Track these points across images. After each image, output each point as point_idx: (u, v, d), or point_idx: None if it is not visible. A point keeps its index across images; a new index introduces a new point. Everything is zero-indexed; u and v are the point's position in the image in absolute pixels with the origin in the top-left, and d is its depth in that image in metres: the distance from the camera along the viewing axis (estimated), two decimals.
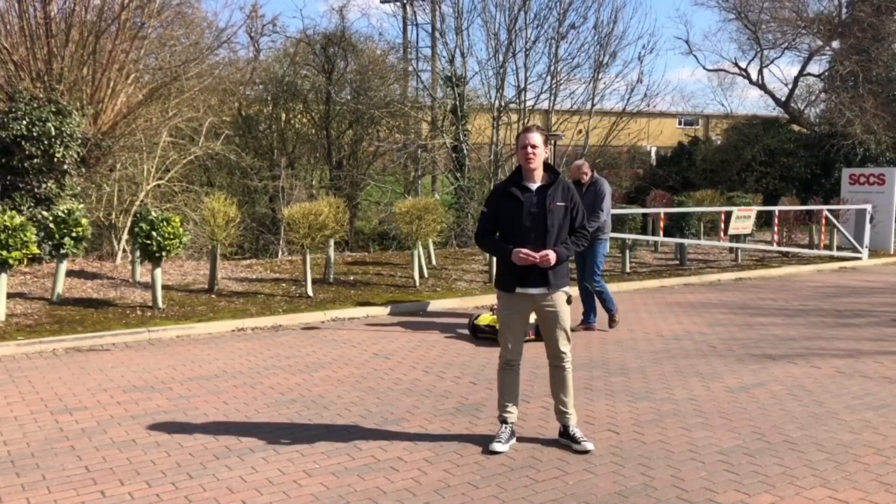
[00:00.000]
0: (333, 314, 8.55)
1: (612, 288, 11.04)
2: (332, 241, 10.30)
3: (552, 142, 15.31)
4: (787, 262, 14.20)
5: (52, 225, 8.31)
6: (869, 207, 15.15)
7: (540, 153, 4.29)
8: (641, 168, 27.33)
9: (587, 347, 7.14)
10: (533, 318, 4.63)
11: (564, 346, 4.39)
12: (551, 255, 4.20)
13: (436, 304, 9.36)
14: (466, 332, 7.68)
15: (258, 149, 18.84)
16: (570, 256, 4.40)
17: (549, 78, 17.45)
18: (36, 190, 10.21)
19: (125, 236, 13.18)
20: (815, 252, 14.89)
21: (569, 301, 4.38)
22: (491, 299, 9.61)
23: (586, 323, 7.95)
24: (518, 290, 4.33)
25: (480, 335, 7.23)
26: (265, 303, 8.89)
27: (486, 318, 7.18)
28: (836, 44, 23.67)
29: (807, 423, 4.88)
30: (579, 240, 4.38)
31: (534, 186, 4.31)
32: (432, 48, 18.80)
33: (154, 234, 8.04)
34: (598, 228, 7.58)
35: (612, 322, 8.03)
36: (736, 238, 13.80)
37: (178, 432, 4.63)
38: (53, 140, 10.08)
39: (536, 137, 4.28)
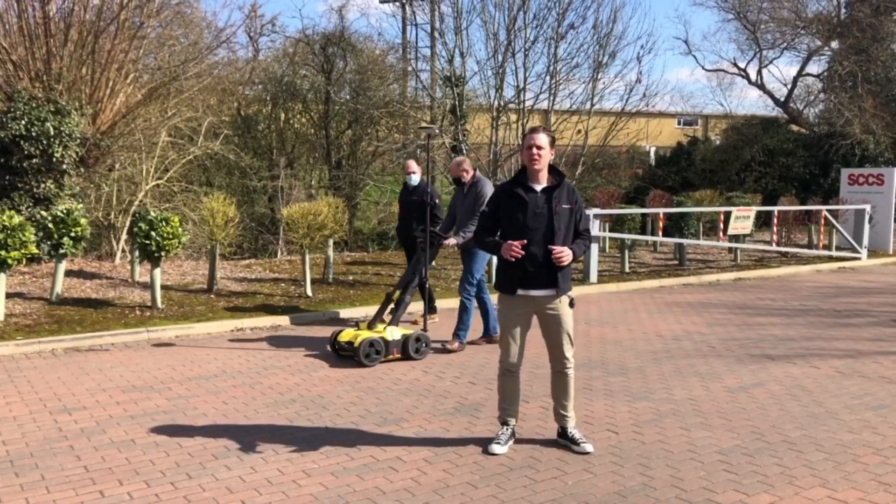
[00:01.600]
0: (333, 314, 8.55)
1: (612, 287, 11.09)
2: (331, 241, 10.29)
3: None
4: (787, 262, 14.20)
5: (50, 225, 8.31)
6: (868, 208, 15.16)
7: (545, 154, 4.25)
8: (640, 168, 27.34)
9: (586, 347, 7.14)
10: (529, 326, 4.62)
11: (568, 351, 4.37)
12: (567, 253, 4.17)
13: (435, 304, 9.33)
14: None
15: (257, 149, 18.84)
16: (579, 257, 4.38)
17: (548, 78, 17.45)
18: (35, 190, 10.20)
19: (124, 236, 13.17)
20: (814, 252, 14.90)
21: (571, 304, 4.35)
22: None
23: (487, 335, 7.20)
24: (520, 292, 4.30)
25: (342, 353, 6.46)
26: (264, 303, 8.88)
27: (347, 334, 6.40)
28: (835, 44, 23.70)
29: (806, 424, 4.88)
30: (584, 242, 4.36)
31: (539, 188, 4.29)
32: (431, 48, 18.80)
33: (153, 233, 8.03)
34: None
35: (452, 344, 6.97)
36: (735, 238, 13.80)
37: (177, 432, 4.63)
38: (52, 140, 10.07)
39: (542, 138, 4.25)
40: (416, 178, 8.06)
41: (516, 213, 4.27)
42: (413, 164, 8.10)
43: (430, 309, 8.02)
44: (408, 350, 6.41)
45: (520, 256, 4.16)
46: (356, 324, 6.68)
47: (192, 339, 7.39)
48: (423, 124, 7.58)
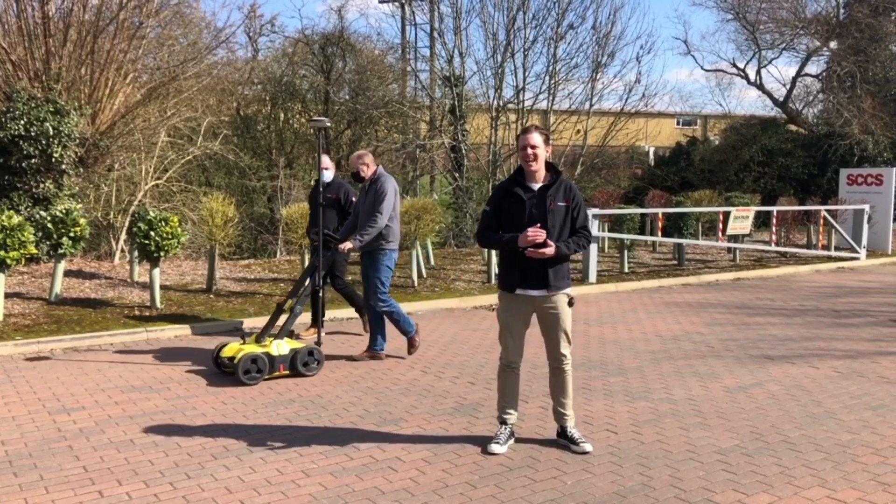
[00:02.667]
0: (332, 314, 8.54)
1: (611, 287, 11.09)
2: None
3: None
4: (786, 262, 14.21)
5: (49, 225, 8.30)
6: (867, 208, 15.18)
7: (540, 154, 4.25)
8: (640, 168, 27.36)
9: (586, 348, 7.14)
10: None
11: (565, 349, 4.38)
12: (550, 249, 4.16)
13: (434, 304, 9.34)
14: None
15: (256, 149, 18.84)
16: (571, 255, 4.37)
17: (547, 78, 17.50)
18: (34, 190, 10.20)
19: (123, 236, 13.17)
20: (813, 252, 14.91)
21: (570, 303, 4.36)
22: (489, 299, 9.61)
23: (371, 350, 6.60)
24: (518, 291, 4.31)
25: (224, 369, 5.96)
26: (263, 303, 8.88)
27: (230, 349, 5.89)
28: (833, 44, 23.72)
29: (805, 423, 4.89)
30: (580, 240, 4.34)
31: (535, 186, 4.29)
32: (431, 48, 18.82)
33: (152, 233, 8.03)
34: (380, 237, 6.30)
35: (411, 347, 6.66)
36: (734, 238, 13.81)
37: (176, 432, 4.63)
38: (51, 140, 10.06)
39: (536, 138, 4.25)
40: (328, 175, 7.25)
41: (513, 212, 4.27)
42: (326, 159, 7.27)
43: (319, 320, 7.26)
44: (296, 365, 5.85)
45: (541, 239, 4.13)
46: (242, 337, 6.01)
47: (191, 339, 7.39)
48: (314, 117, 7.04)
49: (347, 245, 6.32)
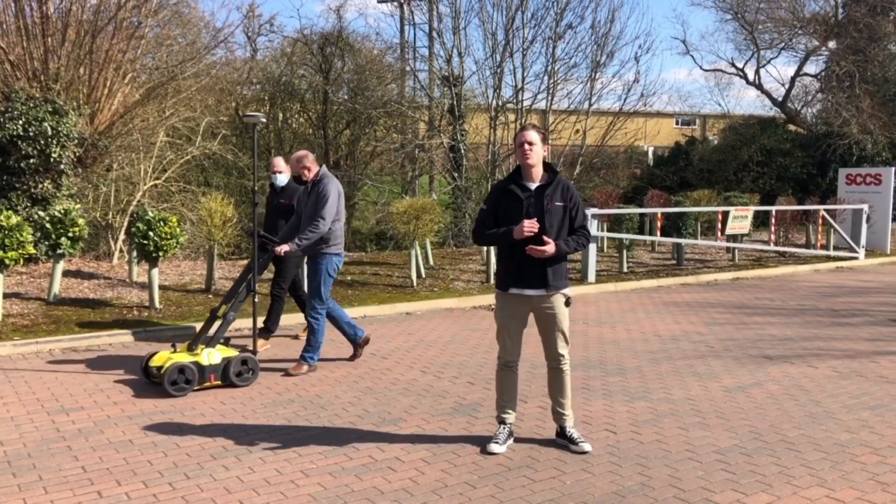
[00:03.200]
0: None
1: (610, 287, 11.10)
2: None
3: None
4: (784, 262, 14.22)
5: (48, 225, 8.30)
6: (865, 207, 15.19)
7: (537, 150, 4.26)
8: (639, 168, 27.37)
9: (584, 347, 7.14)
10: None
11: (563, 349, 4.38)
12: (549, 246, 4.15)
13: (434, 304, 9.35)
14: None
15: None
16: (570, 254, 4.36)
17: (546, 78, 17.50)
18: (32, 190, 10.19)
19: (122, 236, 13.16)
20: (811, 252, 14.92)
21: (567, 303, 4.36)
22: (488, 299, 9.61)
23: (355, 344, 6.45)
24: (514, 290, 4.31)
25: (154, 380, 5.63)
26: (261, 303, 8.86)
27: (160, 358, 5.60)
28: (832, 44, 23.74)
29: (804, 423, 4.89)
30: (580, 239, 4.34)
31: (533, 186, 4.30)
32: (429, 48, 18.81)
33: (151, 234, 8.02)
34: (321, 240, 6.01)
35: (356, 351, 6.49)
36: (733, 238, 13.82)
37: (175, 432, 4.62)
38: (50, 140, 10.05)
39: (533, 135, 4.26)
40: (282, 179, 6.94)
41: (511, 211, 4.28)
42: (280, 161, 7.00)
43: (265, 329, 7.10)
44: (228, 375, 5.58)
45: (536, 232, 4.13)
46: (173, 345, 5.73)
47: (190, 339, 7.37)
48: (249, 112, 6.73)
49: (284, 248, 5.98)
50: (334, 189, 6.06)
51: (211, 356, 5.58)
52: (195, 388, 5.48)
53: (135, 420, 4.86)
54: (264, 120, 6.01)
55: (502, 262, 4.37)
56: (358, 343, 6.48)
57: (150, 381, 5.68)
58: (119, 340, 7.19)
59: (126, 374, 6.03)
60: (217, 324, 5.81)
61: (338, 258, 6.16)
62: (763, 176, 22.58)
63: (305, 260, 6.47)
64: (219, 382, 5.60)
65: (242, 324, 7.79)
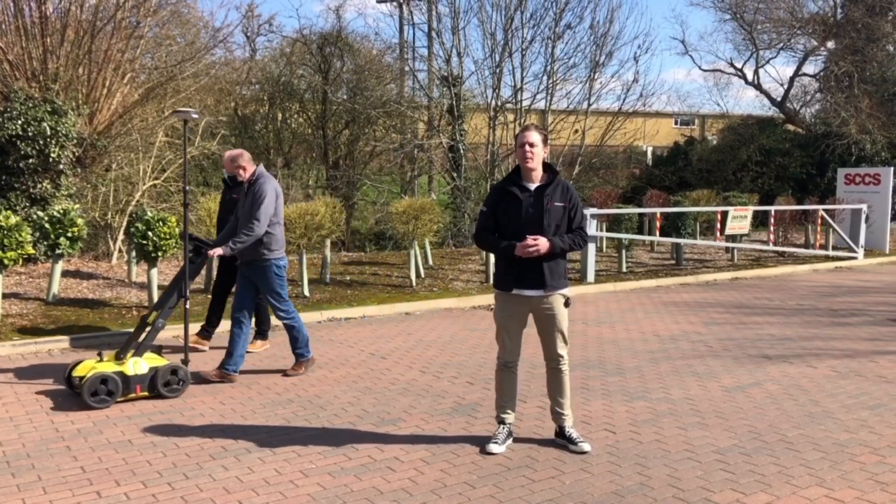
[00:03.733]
0: (330, 314, 8.55)
1: (609, 287, 11.10)
2: (328, 241, 10.29)
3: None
4: (783, 261, 14.23)
5: (47, 225, 8.29)
6: (864, 207, 15.20)
7: (538, 152, 4.25)
8: (638, 168, 27.38)
9: (584, 347, 7.14)
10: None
11: (562, 349, 4.38)
12: (542, 242, 4.15)
13: (433, 304, 9.34)
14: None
15: (254, 149, 18.80)
16: (567, 251, 4.35)
17: (545, 78, 17.51)
18: (31, 190, 10.18)
19: (121, 236, 13.15)
20: (810, 252, 14.93)
21: (567, 304, 4.36)
22: (487, 299, 9.62)
23: (223, 369, 5.83)
24: (515, 291, 4.31)
25: (77, 390, 5.26)
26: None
27: (83, 367, 5.29)
28: (831, 44, 23.76)
29: (803, 423, 4.89)
30: (576, 238, 4.33)
31: (532, 186, 4.29)
32: (429, 48, 18.80)
33: (150, 234, 8.02)
34: (260, 245, 5.73)
35: (294, 369, 6.04)
36: (732, 238, 13.82)
37: (174, 433, 4.62)
38: (49, 140, 10.05)
39: (534, 136, 4.25)
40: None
41: (510, 212, 4.27)
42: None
43: (260, 332, 6.91)
44: (156, 386, 5.28)
45: (536, 248, 4.14)
46: (99, 353, 5.45)
47: (189, 339, 7.37)
48: (178, 108, 6.22)
49: (217, 252, 5.67)
50: (271, 189, 5.76)
51: (137, 366, 5.27)
52: (119, 399, 5.18)
53: (134, 420, 4.86)
54: (196, 116, 5.70)
55: (502, 263, 4.36)
56: (307, 359, 6.08)
57: (73, 392, 5.34)
58: (118, 341, 7.18)
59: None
60: (146, 331, 5.52)
61: (280, 262, 5.88)
62: (762, 176, 22.59)
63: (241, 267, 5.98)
64: (145, 394, 5.30)
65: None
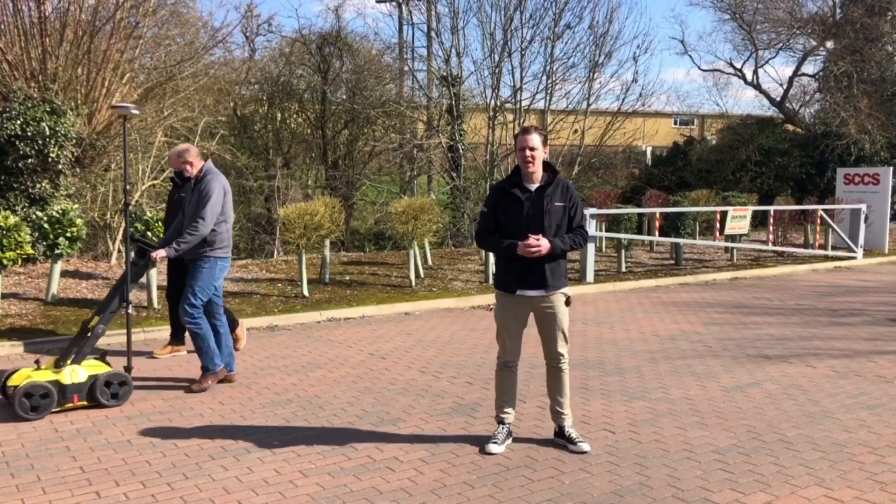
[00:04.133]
0: (329, 314, 8.54)
1: (609, 287, 11.11)
2: (327, 242, 10.29)
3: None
4: (783, 261, 14.23)
5: (46, 225, 8.29)
6: (864, 207, 15.20)
7: (539, 155, 4.25)
8: (637, 168, 27.39)
9: (583, 347, 7.14)
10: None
11: (562, 348, 4.38)
12: (544, 243, 4.16)
13: (432, 304, 9.34)
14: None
15: (254, 149, 18.83)
16: (566, 251, 4.35)
17: (544, 78, 17.51)
18: (30, 190, 10.17)
19: (120, 236, 13.15)
20: (810, 252, 14.93)
21: (567, 302, 4.36)
22: (487, 299, 9.61)
23: (206, 373, 5.60)
24: (518, 292, 4.31)
25: (9, 399, 4.99)
26: (260, 303, 8.87)
27: (19, 376, 5.03)
28: (830, 44, 23.76)
29: (802, 423, 4.89)
30: (576, 238, 4.34)
31: (533, 187, 4.29)
32: (428, 48, 18.81)
33: (149, 234, 8.02)
34: (204, 243, 5.49)
35: (201, 383, 5.55)
36: (731, 238, 13.83)
37: (173, 433, 4.62)
38: (48, 140, 10.04)
39: (535, 139, 4.24)
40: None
41: (511, 213, 4.27)
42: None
43: (177, 339, 6.69)
44: (95, 395, 5.04)
45: (538, 248, 4.14)
46: (37, 361, 5.18)
47: (188, 339, 7.37)
48: (116, 103, 5.88)
49: (160, 254, 5.42)
50: (218, 186, 5.52)
51: (75, 374, 5.01)
52: (55, 409, 4.94)
53: (133, 420, 4.85)
54: (137, 112, 5.40)
55: (503, 263, 4.36)
56: (214, 373, 5.61)
57: (8, 403, 5.02)
58: (117, 341, 7.17)
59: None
60: (86, 338, 5.25)
61: (223, 261, 5.61)
62: (761, 176, 22.59)
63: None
64: (84, 403, 5.06)
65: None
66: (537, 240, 4.15)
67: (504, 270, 4.35)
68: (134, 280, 5.45)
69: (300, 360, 6.52)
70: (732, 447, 4.43)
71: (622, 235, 12.41)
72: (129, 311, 5.46)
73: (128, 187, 5.65)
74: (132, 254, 5.57)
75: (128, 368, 5.33)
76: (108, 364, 5.29)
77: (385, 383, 5.81)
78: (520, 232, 4.23)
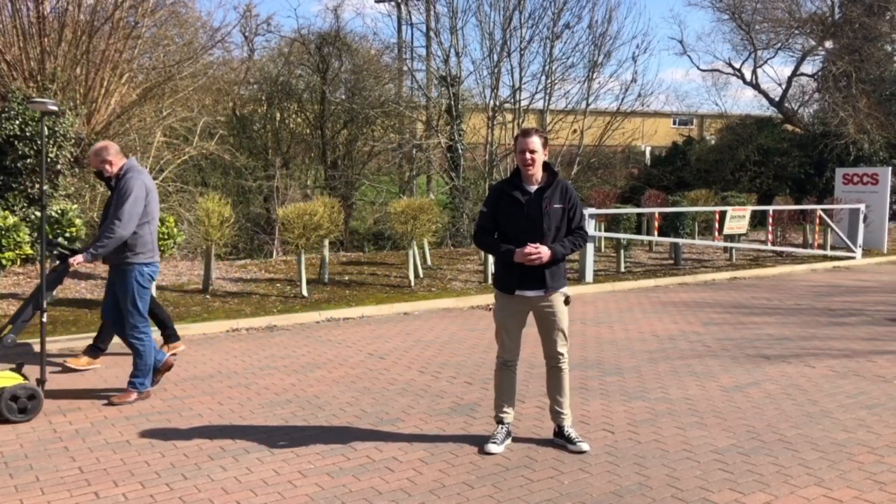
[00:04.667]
0: (328, 314, 8.54)
1: (608, 287, 11.11)
2: (326, 242, 10.29)
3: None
4: (782, 261, 14.24)
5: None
6: (862, 207, 15.21)
7: (539, 158, 4.25)
8: (636, 168, 27.40)
9: (582, 347, 7.15)
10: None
11: (562, 348, 4.38)
12: (544, 251, 4.17)
13: (431, 304, 9.34)
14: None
15: (253, 149, 18.82)
16: (567, 255, 4.36)
17: (543, 77, 17.51)
18: (29, 190, 10.17)
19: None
20: (808, 252, 14.94)
21: (567, 302, 4.37)
22: (486, 299, 9.61)
23: (135, 390, 5.29)
24: (517, 292, 4.31)
25: None
26: (260, 303, 8.87)
27: None
28: (828, 44, 23.78)
29: (801, 422, 4.89)
30: (576, 240, 4.34)
31: (532, 188, 4.29)
32: (427, 48, 18.80)
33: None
34: (125, 248, 5.08)
35: (123, 398, 5.21)
36: (730, 238, 13.83)
37: (172, 433, 4.61)
38: (46, 140, 10.04)
39: (535, 142, 4.24)
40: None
41: (511, 214, 4.27)
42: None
43: (166, 337, 6.44)
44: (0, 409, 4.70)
45: (538, 256, 4.14)
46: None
47: (188, 339, 7.37)
48: (34, 98, 5.59)
49: (78, 259, 5.08)
50: (138, 185, 5.10)
51: None
52: None
53: (132, 420, 4.85)
54: (55, 108, 5.06)
55: (502, 265, 4.36)
56: (141, 392, 5.31)
57: None
58: (115, 341, 7.16)
59: (123, 374, 6.01)
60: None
61: (149, 268, 5.23)
62: (760, 176, 22.60)
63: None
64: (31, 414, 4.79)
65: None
66: (536, 248, 4.15)
67: (503, 271, 4.35)
68: (50, 287, 5.14)
69: (299, 361, 6.52)
70: (731, 447, 4.43)
71: (621, 235, 12.41)
72: (44, 319, 5.07)
73: (45, 188, 5.25)
74: (55, 261, 5.24)
75: (40, 381, 4.95)
76: (23, 376, 4.89)
77: (384, 383, 5.81)
78: (519, 234, 4.23)
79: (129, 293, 5.15)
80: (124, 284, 5.16)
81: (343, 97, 19.28)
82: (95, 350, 6.18)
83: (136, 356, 5.28)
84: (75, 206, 9.57)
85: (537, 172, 4.28)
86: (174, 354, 6.51)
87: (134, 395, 5.26)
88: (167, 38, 15.14)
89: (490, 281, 10.55)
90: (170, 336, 6.53)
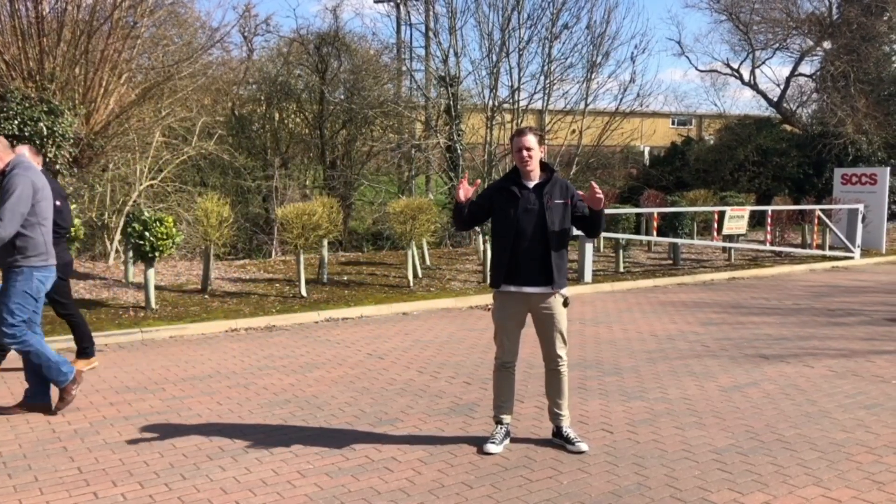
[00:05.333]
0: (327, 314, 8.54)
1: (606, 287, 11.11)
2: (325, 242, 10.29)
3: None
4: (780, 261, 14.25)
5: None
6: (861, 207, 15.22)
7: (535, 155, 4.29)
8: (635, 168, 27.40)
9: (581, 347, 7.15)
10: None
11: (561, 350, 4.39)
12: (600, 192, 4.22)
13: (430, 304, 9.34)
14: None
15: (251, 149, 18.81)
16: (601, 225, 4.39)
17: (542, 78, 17.50)
18: None
19: (118, 237, 13.14)
20: (807, 252, 14.95)
21: (565, 304, 4.37)
22: (485, 299, 9.62)
23: (34, 401, 4.97)
24: (513, 288, 4.32)
25: None
26: (258, 303, 8.87)
27: None
28: (827, 44, 23.80)
29: (800, 422, 4.90)
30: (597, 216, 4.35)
31: (531, 185, 4.32)
32: (426, 48, 18.79)
33: (147, 234, 8.01)
34: (13, 250, 4.67)
35: (61, 400, 4.92)
36: (729, 238, 13.84)
37: (171, 433, 4.61)
38: (45, 140, 10.02)
39: (531, 139, 4.28)
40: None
41: (507, 209, 4.30)
42: (25, 150, 5.46)
43: (82, 351, 6.07)
44: None
45: (465, 192, 4.26)
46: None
47: (187, 339, 7.37)
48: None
49: None
50: (25, 182, 4.62)
51: None
52: None
53: (131, 421, 4.85)
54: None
55: (495, 257, 4.38)
56: (71, 380, 4.96)
57: None
58: (115, 341, 7.17)
59: (122, 374, 6.01)
60: None
61: (42, 272, 4.78)
62: (759, 176, 22.62)
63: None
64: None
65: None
66: (465, 184, 4.27)
67: (496, 264, 4.38)
68: None
69: (298, 361, 6.52)
70: (730, 447, 4.43)
71: (620, 235, 12.41)
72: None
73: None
74: None
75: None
76: None
77: (383, 383, 5.81)
78: (513, 227, 4.25)
79: (12, 297, 4.67)
80: (11, 287, 4.70)
81: (342, 97, 19.28)
82: (84, 352, 6.13)
83: (32, 359, 4.82)
84: (74, 206, 9.56)
85: (535, 169, 4.31)
86: (83, 371, 5.79)
87: (72, 389, 4.92)
88: (166, 38, 15.13)
89: (488, 281, 10.56)
90: (85, 349, 6.12)
